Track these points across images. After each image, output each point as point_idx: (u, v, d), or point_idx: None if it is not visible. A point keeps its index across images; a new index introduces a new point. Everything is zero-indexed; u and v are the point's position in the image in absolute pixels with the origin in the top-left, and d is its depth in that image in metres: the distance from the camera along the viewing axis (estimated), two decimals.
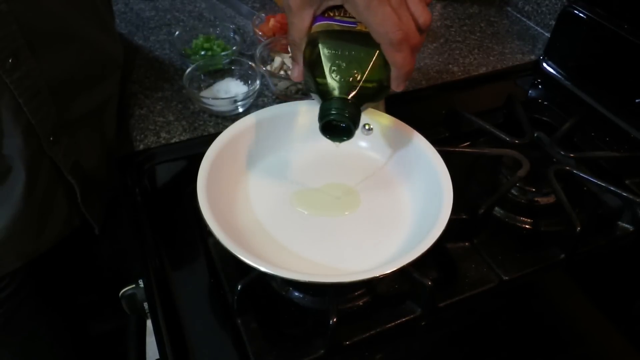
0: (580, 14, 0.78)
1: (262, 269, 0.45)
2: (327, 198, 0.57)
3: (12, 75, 0.51)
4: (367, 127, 0.55)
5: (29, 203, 0.59)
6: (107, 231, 0.74)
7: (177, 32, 0.83)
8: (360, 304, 0.53)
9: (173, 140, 0.70)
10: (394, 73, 0.47)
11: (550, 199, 0.63)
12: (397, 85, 0.48)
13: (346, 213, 0.56)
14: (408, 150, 0.58)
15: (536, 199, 0.63)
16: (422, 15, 0.45)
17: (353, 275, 0.46)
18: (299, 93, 0.76)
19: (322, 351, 0.49)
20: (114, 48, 0.70)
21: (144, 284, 0.52)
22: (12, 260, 0.64)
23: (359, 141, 0.62)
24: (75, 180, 0.63)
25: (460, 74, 0.85)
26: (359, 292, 0.54)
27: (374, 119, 0.60)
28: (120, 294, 0.61)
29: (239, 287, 0.49)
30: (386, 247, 0.52)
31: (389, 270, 0.45)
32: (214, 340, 0.51)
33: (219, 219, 0.48)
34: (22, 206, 0.59)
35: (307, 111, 0.61)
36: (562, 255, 0.58)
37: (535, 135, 0.69)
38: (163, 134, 0.71)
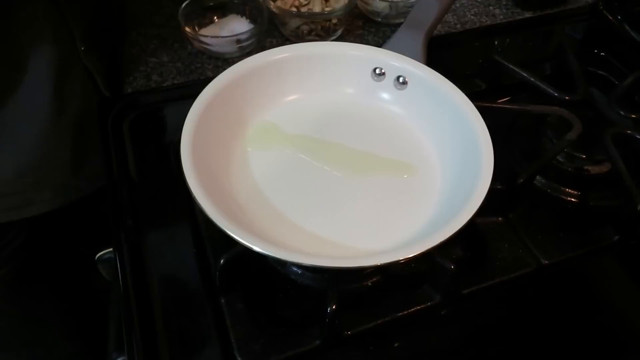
0: None
1: (246, 243, 0.36)
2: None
3: None
4: (400, 79, 0.49)
5: (57, 118, 0.56)
6: None
7: None
8: (369, 284, 0.45)
9: (165, 84, 0.62)
10: None
11: (603, 168, 0.54)
12: None
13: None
14: (441, 106, 0.49)
15: (586, 167, 0.54)
16: None
17: (362, 260, 0.38)
18: (311, 34, 0.65)
19: (318, 342, 0.41)
20: None
21: (113, 250, 0.45)
22: (48, 197, 0.60)
23: (383, 93, 0.52)
24: None
25: (502, 17, 0.73)
26: (367, 271, 0.46)
27: (406, 68, 0.50)
28: (96, 257, 0.54)
29: (222, 261, 0.42)
30: (408, 222, 0.43)
31: (410, 254, 0.37)
32: (191, 321, 0.43)
33: (202, 176, 0.40)
34: (50, 121, 0.55)
35: (321, 54, 0.51)
36: (616, 237, 0.50)
37: (589, 91, 0.59)
38: (154, 77, 0.63)
